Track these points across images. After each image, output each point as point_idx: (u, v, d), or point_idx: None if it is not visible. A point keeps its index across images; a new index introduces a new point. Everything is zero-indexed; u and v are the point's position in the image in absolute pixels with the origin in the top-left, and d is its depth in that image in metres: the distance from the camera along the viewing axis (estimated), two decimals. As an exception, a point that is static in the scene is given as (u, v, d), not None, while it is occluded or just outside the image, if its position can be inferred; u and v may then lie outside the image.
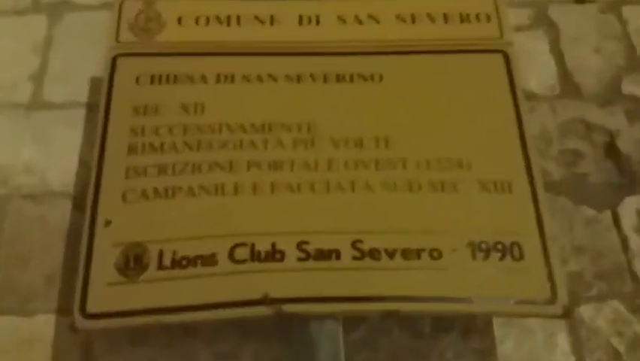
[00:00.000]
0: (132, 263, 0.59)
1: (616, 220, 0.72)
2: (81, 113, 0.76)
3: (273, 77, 0.69)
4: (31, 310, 0.65)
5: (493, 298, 0.59)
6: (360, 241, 0.60)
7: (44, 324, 0.64)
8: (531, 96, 0.77)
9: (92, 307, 0.57)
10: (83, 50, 0.78)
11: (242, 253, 0.59)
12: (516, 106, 0.68)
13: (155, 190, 0.62)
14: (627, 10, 0.85)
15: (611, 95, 0.79)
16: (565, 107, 0.78)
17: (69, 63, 0.79)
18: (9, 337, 0.64)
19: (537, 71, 0.80)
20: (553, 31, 0.84)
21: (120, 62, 0.69)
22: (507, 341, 0.65)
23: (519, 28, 0.82)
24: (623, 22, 0.84)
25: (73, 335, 0.62)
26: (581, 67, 0.81)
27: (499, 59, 0.70)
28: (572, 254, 0.70)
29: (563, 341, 0.65)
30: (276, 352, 0.64)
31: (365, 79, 0.69)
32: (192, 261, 0.59)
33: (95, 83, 0.76)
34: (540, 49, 0.82)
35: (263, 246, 0.59)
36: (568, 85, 0.80)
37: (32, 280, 0.66)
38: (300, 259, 0.59)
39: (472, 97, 0.68)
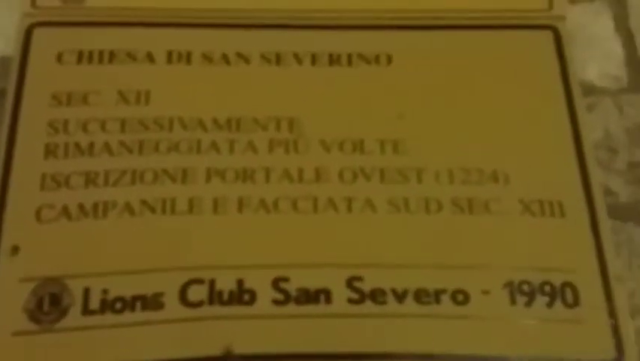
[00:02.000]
0: (47, 306, 0.58)
1: (703, 257, 0.71)
2: (-17, 103, 0.75)
3: (243, 58, 0.69)
4: None
5: (537, 358, 0.58)
6: (359, 279, 0.59)
7: None
8: (590, 90, 0.77)
9: (-9, 365, 0.56)
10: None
11: (198, 292, 0.58)
12: (569, 102, 0.68)
13: (81, 207, 0.61)
14: None
15: (696, 89, 0.80)
16: (635, 105, 0.78)
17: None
18: None
19: (598, 56, 0.80)
20: (619, 5, 0.84)
21: (37, 33, 0.69)
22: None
23: (575, 1, 0.82)
24: None
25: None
26: (656, 52, 0.82)
27: (547, 37, 0.71)
28: (643, 301, 0.69)
29: (632, 418, 0.65)
30: None
31: (368, 61, 0.69)
32: (130, 303, 0.58)
33: (5, 62, 0.75)
34: (602, 28, 0.83)
35: (226, 283, 0.59)
36: (638, 75, 0.80)
37: None
38: (276, 303, 0.58)
39: (510, 89, 0.69)
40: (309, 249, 0.61)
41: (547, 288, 0.60)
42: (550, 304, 0.59)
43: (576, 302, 0.59)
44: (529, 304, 0.59)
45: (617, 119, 0.77)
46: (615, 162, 0.75)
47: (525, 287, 0.60)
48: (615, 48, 0.81)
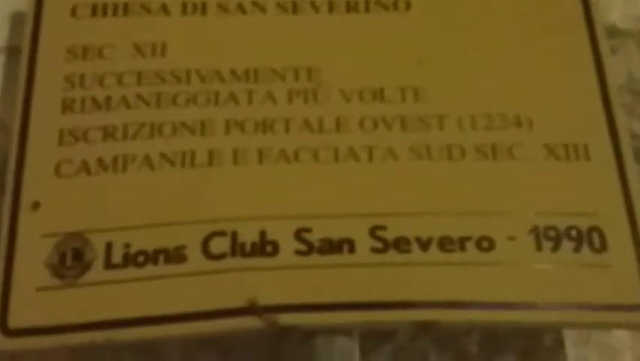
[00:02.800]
0: (70, 260, 0.58)
1: None
2: (-1, 60, 0.75)
3: (259, 7, 0.68)
4: None
5: (565, 303, 0.58)
6: (382, 228, 0.59)
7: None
8: (613, 32, 0.76)
9: (15, 320, 0.56)
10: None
11: (220, 244, 0.58)
12: (593, 44, 0.67)
13: (100, 161, 0.61)
14: None
15: None
16: (659, 47, 0.78)
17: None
18: None
19: (621, -2, 0.80)
20: (643, -57, 0.83)
21: (49, -12, 0.68)
22: (583, 363, 0.64)
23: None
24: None
25: (-8, 359, 0.61)
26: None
27: (571, -19, 0.69)
28: (670, 246, 0.69)
29: (658, 363, 0.65)
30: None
31: (386, 7, 0.68)
32: (152, 257, 0.58)
33: (15, 19, 0.75)
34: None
35: (249, 235, 0.58)
36: (663, 15, 0.79)
37: None
38: (299, 253, 0.58)
39: (531, 30, 0.67)
40: (331, 199, 0.60)
41: (573, 233, 0.59)
42: (577, 249, 0.59)
43: (603, 247, 0.59)
44: (555, 249, 0.59)
45: (641, 62, 0.77)
46: (639, 105, 0.74)
47: (551, 232, 0.59)
48: (639, -12, 0.80)
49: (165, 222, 0.59)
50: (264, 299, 0.56)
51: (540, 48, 0.67)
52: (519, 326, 0.62)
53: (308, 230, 0.59)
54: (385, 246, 0.58)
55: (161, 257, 0.58)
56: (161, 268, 0.57)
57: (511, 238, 0.59)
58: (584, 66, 0.66)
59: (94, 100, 0.63)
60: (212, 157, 0.61)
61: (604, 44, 0.67)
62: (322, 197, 0.60)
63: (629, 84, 0.75)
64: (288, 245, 0.58)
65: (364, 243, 0.58)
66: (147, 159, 0.61)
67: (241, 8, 0.68)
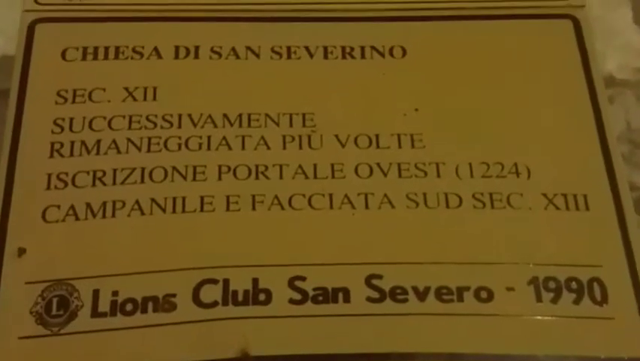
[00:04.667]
0: (55, 309, 0.57)
1: None
2: (-17, 104, 0.74)
3: (253, 51, 0.68)
4: None
5: (565, 357, 0.57)
6: (378, 277, 0.58)
7: None
8: (610, 82, 0.76)
9: (-3, 371, 0.56)
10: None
11: (211, 293, 0.58)
12: (592, 93, 0.67)
13: (88, 206, 0.61)
14: None
15: None
16: (658, 97, 0.78)
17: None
18: None
19: (617, 48, 0.80)
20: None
21: (40, 29, 0.68)
22: (584, 421, 0.64)
23: (595, -12, 0.82)
24: None
25: (-31, 413, 0.60)
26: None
27: (567, 27, 0.70)
28: (671, 299, 0.69)
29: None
30: None
31: (382, 54, 0.69)
32: (141, 305, 0.57)
33: (4, 61, 0.75)
34: (621, 18, 0.82)
35: (241, 283, 0.58)
36: (661, 65, 0.80)
37: None
38: (293, 302, 0.58)
39: (530, 80, 0.68)
40: (325, 247, 0.60)
41: (573, 284, 0.59)
42: (577, 301, 0.58)
43: (604, 299, 0.58)
44: (555, 300, 0.58)
45: (639, 112, 0.77)
46: (637, 155, 0.75)
47: (551, 284, 0.59)
48: (634, 39, 0.81)
49: (155, 269, 0.58)
50: (257, 350, 0.56)
51: (538, 97, 0.67)
52: (517, 379, 0.61)
53: (302, 278, 0.58)
54: (382, 295, 0.58)
55: (150, 305, 0.57)
56: (150, 316, 0.57)
57: (510, 289, 0.58)
58: (583, 115, 0.66)
59: (83, 144, 0.63)
60: (203, 203, 0.61)
61: (602, 94, 0.67)
62: (317, 245, 0.60)
63: (626, 134, 0.76)
64: (282, 294, 0.58)
65: (360, 292, 0.58)
66: (137, 205, 0.61)
67: (235, 53, 0.68)
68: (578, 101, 0.67)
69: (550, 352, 0.57)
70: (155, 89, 0.66)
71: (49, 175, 0.62)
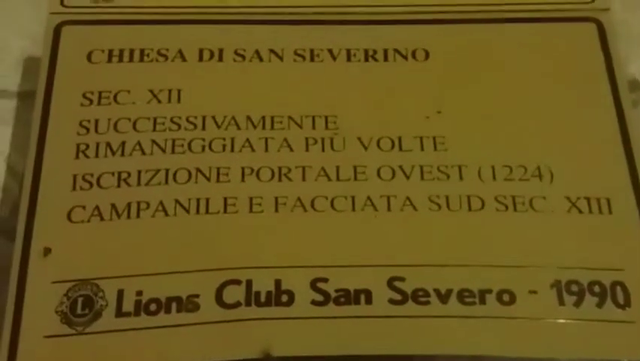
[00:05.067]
0: (80, 308, 0.58)
1: None
2: (10, 105, 0.75)
3: (277, 54, 0.69)
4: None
5: (588, 360, 0.57)
6: (401, 279, 0.59)
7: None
8: (635, 85, 0.76)
9: (23, 369, 0.56)
10: (14, 17, 0.78)
11: (234, 293, 0.58)
12: (616, 96, 0.67)
13: (113, 207, 0.61)
14: None
15: None
16: (684, 103, 0.78)
17: (-5, 37, 0.79)
18: None
19: (641, 51, 0.80)
20: (662, -1, 0.83)
21: (66, 32, 0.69)
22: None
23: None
24: None
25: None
26: None
27: (590, 30, 0.70)
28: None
29: None
30: None
31: (404, 57, 0.69)
32: (164, 305, 0.58)
33: (30, 63, 0.75)
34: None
35: (264, 284, 0.58)
36: (688, 72, 0.79)
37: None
38: (315, 303, 0.58)
39: (553, 83, 0.68)
40: (348, 249, 0.60)
41: (596, 288, 0.59)
42: (600, 305, 0.58)
43: (627, 302, 0.58)
44: (578, 304, 0.58)
45: (662, 116, 0.77)
46: (663, 160, 0.74)
47: (573, 287, 0.59)
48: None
49: (178, 270, 0.59)
50: (279, 350, 0.56)
51: (562, 100, 0.67)
52: (541, 381, 0.61)
53: (324, 280, 0.58)
54: (404, 298, 0.58)
55: (174, 305, 0.57)
56: (174, 316, 0.57)
57: (533, 292, 0.58)
58: (607, 119, 0.66)
59: (108, 145, 0.64)
60: (227, 204, 0.61)
61: (626, 97, 0.67)
62: (339, 247, 0.60)
63: (652, 139, 0.75)
64: (304, 295, 0.58)
65: (382, 294, 0.58)
66: (161, 206, 0.61)
67: (258, 55, 0.69)
68: (601, 105, 0.67)
69: (572, 355, 0.57)
70: (179, 91, 0.66)
71: (75, 176, 0.62)
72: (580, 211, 0.62)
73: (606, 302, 0.58)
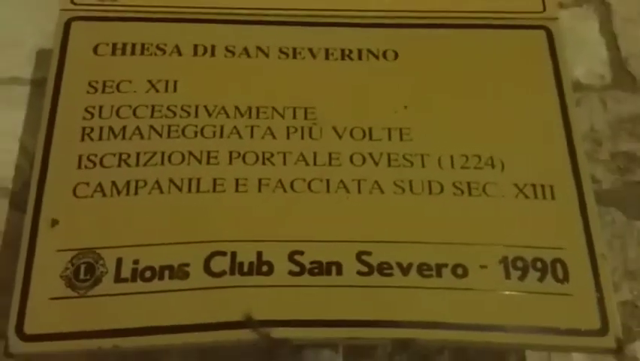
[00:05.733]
0: (83, 274, 0.58)
1: (678, 240, 0.71)
2: (23, 91, 0.75)
3: (263, 51, 0.68)
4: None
5: (529, 327, 0.58)
6: (368, 253, 0.59)
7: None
8: (577, 86, 0.77)
9: (31, 327, 0.56)
10: (26, 14, 0.77)
11: (220, 263, 0.58)
12: (561, 96, 0.67)
13: (114, 184, 0.61)
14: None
15: (673, 88, 0.79)
16: (617, 101, 0.78)
17: (9, 30, 0.78)
18: None
19: (584, 56, 0.80)
20: (604, 10, 0.83)
21: (75, 27, 0.68)
22: (544, 384, 0.65)
23: (564, 6, 0.82)
24: (690, 1, 0.84)
25: (7, 363, 0.60)
26: (637, 53, 0.81)
27: (540, 36, 0.70)
28: (624, 279, 0.69)
29: (612, 384, 0.65)
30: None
31: (376, 56, 0.69)
32: (158, 272, 0.58)
33: (41, 54, 0.75)
34: (589, 30, 0.82)
35: (246, 256, 0.58)
36: (621, 74, 0.80)
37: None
38: (292, 273, 0.58)
39: (507, 82, 0.68)
40: (322, 225, 0.60)
41: (539, 264, 0.59)
42: (541, 279, 0.59)
43: (565, 277, 0.59)
44: (522, 278, 0.59)
45: (602, 114, 0.77)
46: (599, 152, 0.75)
47: (519, 263, 0.59)
48: (600, 49, 0.81)
49: (171, 241, 0.59)
50: (259, 314, 0.56)
51: (514, 98, 0.67)
52: (487, 346, 0.62)
53: (300, 253, 0.59)
54: (370, 270, 0.58)
55: (167, 273, 0.57)
56: (166, 283, 0.57)
57: (483, 267, 0.59)
58: (553, 116, 0.66)
59: (111, 129, 0.63)
60: (215, 184, 0.61)
61: (570, 97, 0.67)
62: (314, 223, 0.60)
63: (590, 134, 0.76)
64: (282, 266, 0.58)
65: (351, 266, 0.58)
66: (157, 184, 0.61)
67: (246, 52, 0.68)
68: (548, 103, 0.67)
69: (516, 323, 0.58)
70: (175, 82, 0.66)
71: (80, 156, 0.62)
72: (526, 196, 0.62)
73: (547, 277, 0.59)
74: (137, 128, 0.63)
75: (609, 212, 0.71)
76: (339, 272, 0.58)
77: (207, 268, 0.58)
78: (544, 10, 0.71)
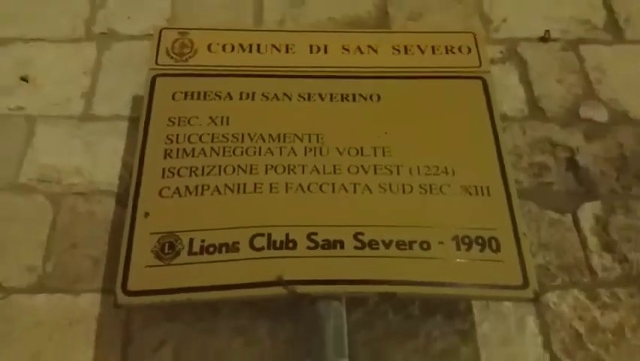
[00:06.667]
0: (167, 249, 0.58)
1: (576, 222, 0.71)
2: (124, 125, 0.75)
3: (287, 96, 0.68)
4: (78, 290, 0.64)
5: (473, 284, 0.58)
6: (362, 233, 0.59)
7: (89, 302, 0.63)
8: (504, 118, 0.76)
9: (132, 285, 0.56)
10: (126, 72, 0.78)
11: (260, 241, 0.58)
12: (493, 124, 0.67)
13: (187, 188, 0.61)
14: (584, 49, 0.85)
15: (570, 118, 0.78)
16: (532, 128, 0.78)
17: (114, 83, 0.78)
18: (60, 312, 0.63)
19: (509, 97, 0.80)
20: (522, 65, 0.83)
21: (159, 81, 0.69)
22: (485, 324, 0.64)
23: (494, 62, 0.81)
24: (581, 59, 0.84)
25: (115, 311, 0.60)
26: (545, 94, 0.81)
27: (478, 84, 0.70)
28: (539, 250, 0.69)
29: (531, 323, 0.64)
30: (287, 328, 0.62)
31: (365, 99, 0.69)
32: (218, 248, 0.58)
33: (136, 100, 0.75)
34: (511, 79, 0.82)
35: (278, 236, 0.58)
36: (535, 109, 0.79)
37: (80, 265, 0.65)
38: (309, 248, 0.58)
39: (456, 115, 0.68)
40: (330, 214, 0.60)
41: (480, 240, 0.59)
42: (482, 250, 0.59)
43: (498, 249, 0.59)
44: (468, 250, 0.59)
45: (521, 137, 0.76)
46: (520, 163, 0.74)
47: (466, 240, 0.59)
48: (519, 92, 0.80)
49: (227, 226, 0.59)
50: (287, 276, 0.56)
51: (460, 126, 0.67)
52: (445, 297, 0.61)
53: (315, 234, 0.58)
54: (363, 245, 0.58)
55: (224, 248, 0.58)
56: (224, 255, 0.57)
57: (441, 243, 0.59)
58: (488, 138, 0.66)
59: (184, 150, 0.63)
60: (256, 188, 0.61)
61: (499, 125, 0.67)
62: (324, 213, 0.60)
63: (514, 149, 0.75)
64: (303, 243, 0.58)
65: (350, 243, 0.58)
66: (216, 188, 0.61)
67: (276, 97, 0.68)
68: (485, 130, 0.67)
69: (464, 281, 0.58)
70: (228, 118, 0.66)
71: (164, 169, 0.62)
72: (470, 194, 0.62)
73: (485, 249, 0.59)
74: (202, 149, 0.64)
75: (527, 204, 0.70)
76: (342, 247, 0.58)
77: (252, 245, 0.58)
78: (480, 65, 0.71)
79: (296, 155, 0.64)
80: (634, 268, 0.68)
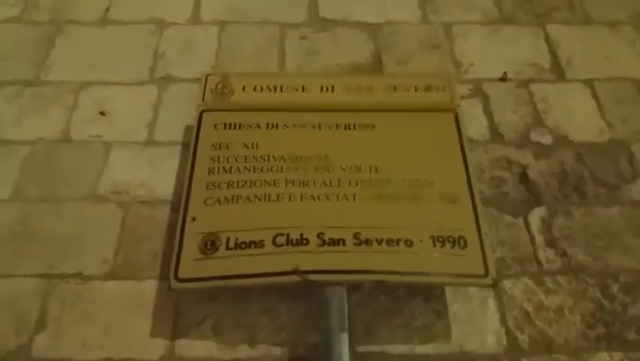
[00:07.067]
0: (209, 246, 0.58)
1: (526, 224, 0.69)
2: (178, 149, 0.74)
3: (303, 126, 0.68)
4: (141, 277, 0.64)
5: (446, 273, 0.57)
6: (359, 233, 0.58)
7: (149, 286, 0.63)
8: (471, 141, 0.75)
9: (182, 274, 0.56)
10: (180, 108, 0.78)
11: (281, 240, 0.58)
12: (462, 146, 0.66)
13: (225, 198, 0.61)
14: (533, 87, 0.83)
15: (523, 141, 0.77)
16: (493, 149, 0.77)
17: (171, 117, 0.78)
18: (126, 294, 0.63)
19: (475, 124, 0.78)
20: (485, 99, 0.82)
21: (205, 115, 0.68)
22: (455, 304, 0.63)
23: (463, 97, 0.80)
24: (531, 94, 0.82)
25: (168, 294, 0.60)
26: (503, 122, 0.79)
27: (451, 116, 0.69)
28: (497, 246, 0.67)
29: (491, 304, 0.63)
30: (302, 307, 0.62)
31: (363, 128, 0.68)
32: (248, 244, 0.57)
33: (188, 129, 0.75)
34: (477, 111, 0.81)
35: (295, 235, 0.58)
36: (495, 134, 0.78)
37: (143, 258, 0.65)
38: (319, 245, 0.57)
39: (433, 140, 0.67)
40: (335, 218, 0.59)
41: (451, 239, 0.58)
42: (453, 247, 0.58)
43: (465, 246, 0.58)
44: (442, 247, 0.58)
45: (485, 156, 0.75)
46: (484, 176, 0.73)
47: (440, 239, 0.58)
48: (483, 121, 0.79)
49: (255, 228, 0.58)
50: (302, 267, 0.56)
51: (437, 150, 0.66)
52: (424, 284, 0.61)
53: (323, 234, 0.58)
54: (360, 242, 0.57)
55: (253, 245, 0.57)
56: (252, 250, 0.57)
57: (421, 241, 0.58)
58: (458, 157, 0.65)
59: (224, 169, 0.63)
60: (278, 197, 0.61)
61: (467, 147, 0.66)
62: (330, 217, 0.59)
63: (479, 166, 0.74)
64: (314, 241, 0.57)
65: (350, 240, 0.58)
66: (247, 198, 0.61)
67: (294, 126, 0.67)
68: (455, 151, 0.66)
69: (439, 271, 0.57)
70: (257, 143, 0.65)
71: (207, 183, 0.62)
72: (445, 202, 0.61)
73: (456, 246, 0.58)
74: (237, 168, 0.63)
75: (489, 210, 0.69)
76: (344, 244, 0.57)
77: (274, 242, 0.57)
78: (453, 101, 0.70)
79: (308, 172, 0.63)
80: (572, 260, 0.66)
